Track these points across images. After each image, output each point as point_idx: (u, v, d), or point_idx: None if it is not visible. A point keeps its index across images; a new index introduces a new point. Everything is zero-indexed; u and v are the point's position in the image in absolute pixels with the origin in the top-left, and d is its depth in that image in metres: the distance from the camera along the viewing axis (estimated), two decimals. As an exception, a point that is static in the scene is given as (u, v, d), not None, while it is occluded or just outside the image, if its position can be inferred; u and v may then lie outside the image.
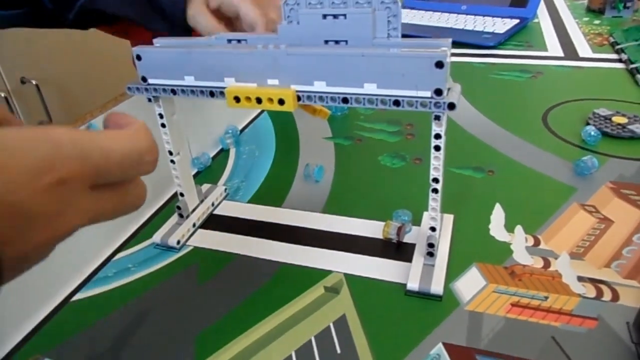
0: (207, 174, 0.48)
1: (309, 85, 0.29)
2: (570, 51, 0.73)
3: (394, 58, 0.26)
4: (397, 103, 0.27)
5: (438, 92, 0.26)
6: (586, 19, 0.89)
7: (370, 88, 0.27)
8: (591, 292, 0.30)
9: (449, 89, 0.27)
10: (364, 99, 0.28)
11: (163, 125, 0.35)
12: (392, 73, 0.27)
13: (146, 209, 0.43)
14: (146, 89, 0.33)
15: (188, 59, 0.31)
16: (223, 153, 0.51)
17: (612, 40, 0.75)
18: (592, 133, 0.47)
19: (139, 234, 0.40)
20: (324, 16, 0.28)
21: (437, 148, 0.29)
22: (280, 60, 0.29)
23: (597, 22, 0.87)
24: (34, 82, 1.18)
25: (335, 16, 0.28)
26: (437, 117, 0.27)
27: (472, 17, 0.88)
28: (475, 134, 0.51)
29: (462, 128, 0.52)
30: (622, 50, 0.70)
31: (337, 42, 0.29)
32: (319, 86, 0.28)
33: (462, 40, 0.77)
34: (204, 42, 0.33)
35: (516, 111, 0.55)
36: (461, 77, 0.66)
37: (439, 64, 0.26)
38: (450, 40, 0.28)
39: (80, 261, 0.37)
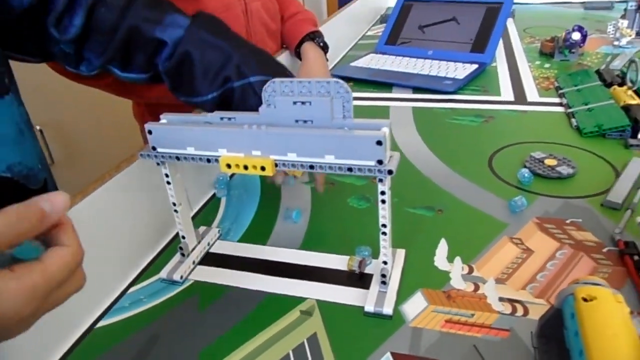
0: (203, 216, 0.56)
1: (284, 156, 0.37)
2: (520, 95, 0.83)
3: (346, 137, 0.35)
4: (350, 169, 0.36)
5: (380, 161, 0.35)
6: (538, 62, 1.00)
7: (330, 158, 0.36)
8: (508, 309, 0.39)
9: (391, 157, 0.36)
10: (325, 166, 0.37)
11: (168, 183, 0.44)
12: (346, 148, 0.35)
13: (154, 246, 0.51)
14: (155, 156, 0.42)
15: (190, 134, 0.40)
16: (216, 198, 0.60)
17: (556, 84, 0.86)
18: (526, 175, 0.56)
19: (148, 270, 0.48)
20: (294, 102, 0.37)
21: (383, 201, 0.37)
22: (261, 136, 0.37)
23: (547, 65, 0.98)
24: (37, 128, 1.26)
25: (303, 102, 0.37)
26: (381, 180, 0.36)
27: (437, 62, 0.99)
28: (430, 176, 0.60)
29: (420, 171, 0.61)
30: (563, 95, 0.80)
31: (305, 121, 0.38)
32: (292, 156, 0.37)
33: (426, 87, 0.87)
34: (202, 119, 0.41)
35: (467, 154, 0.64)
36: (423, 122, 0.75)
37: (379, 142, 0.34)
38: (389, 121, 0.36)
39: (101, 294, 0.45)
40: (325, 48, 0.88)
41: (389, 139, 0.35)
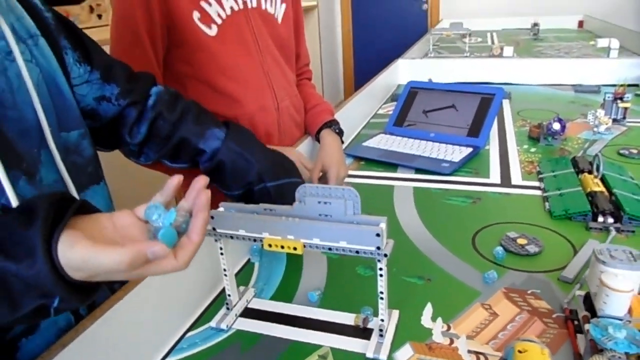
0: (241, 277, 0.70)
1: (310, 240, 0.52)
2: (505, 178, 0.98)
3: (355, 229, 0.50)
4: (357, 252, 0.51)
5: (378, 247, 0.50)
6: (526, 146, 1.15)
7: (343, 243, 0.51)
8: (473, 359, 0.52)
9: (387, 244, 0.51)
10: (339, 249, 0.51)
11: (222, 254, 0.59)
12: (354, 237, 0.50)
13: (205, 299, 0.65)
14: (214, 235, 0.57)
15: (241, 220, 0.55)
16: (251, 263, 0.74)
17: (538, 169, 1.00)
18: (500, 252, 0.70)
19: (201, 319, 0.62)
20: (319, 202, 0.52)
21: (381, 275, 0.52)
22: (294, 225, 0.52)
23: (533, 149, 1.13)
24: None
25: (325, 202, 0.52)
26: (379, 260, 0.51)
27: (438, 144, 1.14)
28: (423, 249, 0.74)
29: (415, 245, 0.75)
30: (542, 179, 0.94)
31: (326, 215, 0.53)
32: (316, 241, 0.52)
33: (426, 168, 1.02)
34: (250, 209, 0.57)
35: (455, 232, 0.78)
36: (421, 201, 0.90)
37: (378, 234, 0.49)
38: (385, 218, 0.51)
39: (164, 338, 0.59)
40: (340, 133, 1.04)
41: (386, 230, 0.50)
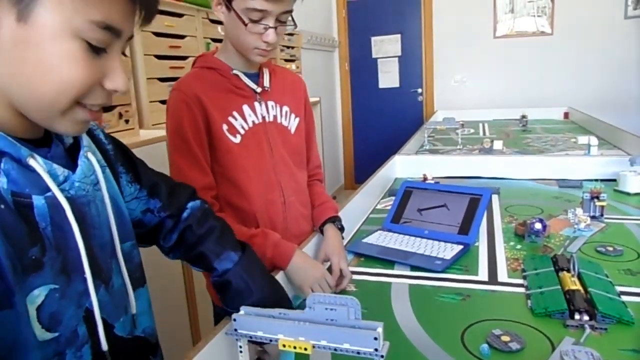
0: (254, 371, 0.79)
1: (318, 342, 0.62)
2: (492, 275, 1.08)
3: (356, 333, 0.60)
4: (358, 353, 0.60)
5: (376, 349, 0.59)
6: (512, 243, 1.26)
7: (346, 345, 0.60)
8: None
9: (383, 345, 0.60)
10: (343, 349, 0.61)
11: (241, 352, 0.68)
12: (355, 339, 0.60)
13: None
14: (235, 335, 0.66)
15: (260, 323, 0.65)
16: (263, 356, 0.82)
17: (522, 266, 1.10)
18: (486, 349, 0.79)
19: (219, 413, 0.70)
20: (326, 308, 0.62)
21: (379, 373, 0.60)
22: (305, 329, 0.62)
23: (518, 247, 1.23)
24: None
25: (331, 309, 0.62)
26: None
27: (431, 241, 1.25)
28: (417, 346, 0.82)
29: (409, 341, 0.84)
30: (525, 277, 1.04)
31: (331, 320, 0.62)
32: (323, 342, 0.61)
33: (420, 265, 1.12)
34: (267, 313, 0.66)
35: (446, 328, 0.87)
36: (416, 297, 0.99)
37: (375, 338, 0.59)
38: (382, 324, 0.61)
39: None
40: (342, 229, 1.17)
41: (382, 334, 0.59)
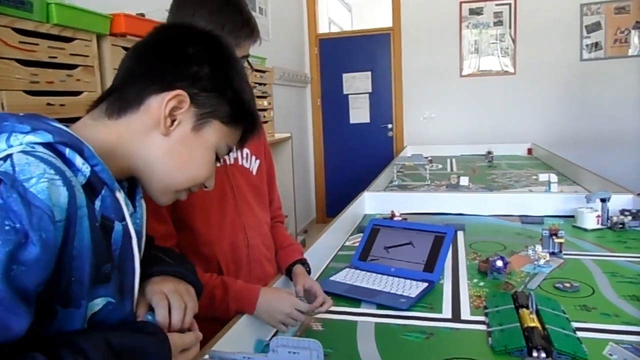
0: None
1: (281, 386, 0.63)
2: (456, 313, 1.10)
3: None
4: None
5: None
6: (475, 280, 1.30)
7: (308, 389, 0.62)
8: None
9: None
10: (306, 393, 0.62)
11: (205, 397, 0.68)
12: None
13: None
14: (200, 380, 0.67)
15: (224, 368, 0.65)
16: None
17: (484, 304, 1.14)
18: (447, 388, 0.80)
19: None
20: (289, 352, 0.64)
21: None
22: (269, 373, 0.63)
23: (481, 284, 1.27)
24: None
25: (294, 352, 0.63)
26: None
27: (397, 279, 1.28)
28: (382, 386, 0.83)
29: (376, 381, 0.85)
30: (487, 314, 1.07)
31: (294, 363, 0.64)
32: (286, 386, 0.62)
33: (385, 304, 1.14)
34: (233, 357, 0.67)
35: (410, 367, 0.89)
36: (381, 337, 1.00)
37: (337, 381, 0.60)
38: (343, 366, 0.63)
39: None
40: (309, 272, 1.18)
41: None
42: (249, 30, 1.05)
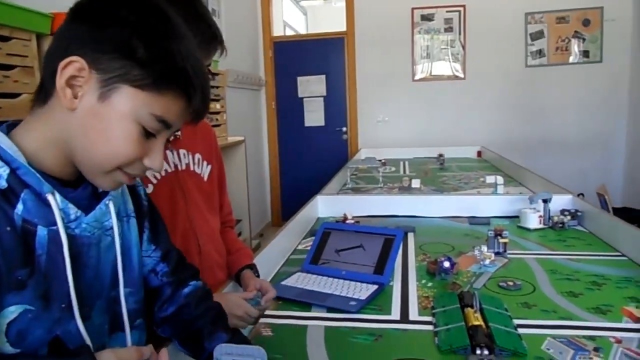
0: None
1: (225, 394, 0.62)
2: (404, 314, 1.12)
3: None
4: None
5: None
6: (424, 281, 1.32)
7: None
8: None
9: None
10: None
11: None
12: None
13: None
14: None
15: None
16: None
17: (432, 304, 1.16)
18: (393, 388, 0.82)
19: None
20: (233, 359, 0.63)
21: (285, 423, 0.61)
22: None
23: (429, 284, 1.30)
24: None
25: (237, 360, 0.63)
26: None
27: (348, 282, 1.29)
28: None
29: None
30: (434, 315, 1.10)
31: (238, 371, 0.63)
32: (230, 395, 0.62)
33: (336, 306, 1.15)
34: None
35: (359, 369, 0.89)
36: (331, 340, 1.00)
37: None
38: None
39: None
40: (258, 277, 1.18)
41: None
42: (217, 43, 1.04)
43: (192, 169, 1.14)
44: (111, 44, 0.60)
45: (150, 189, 1.04)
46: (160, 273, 0.81)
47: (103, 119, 0.62)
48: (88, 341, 0.64)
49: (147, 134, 0.64)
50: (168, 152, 1.09)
